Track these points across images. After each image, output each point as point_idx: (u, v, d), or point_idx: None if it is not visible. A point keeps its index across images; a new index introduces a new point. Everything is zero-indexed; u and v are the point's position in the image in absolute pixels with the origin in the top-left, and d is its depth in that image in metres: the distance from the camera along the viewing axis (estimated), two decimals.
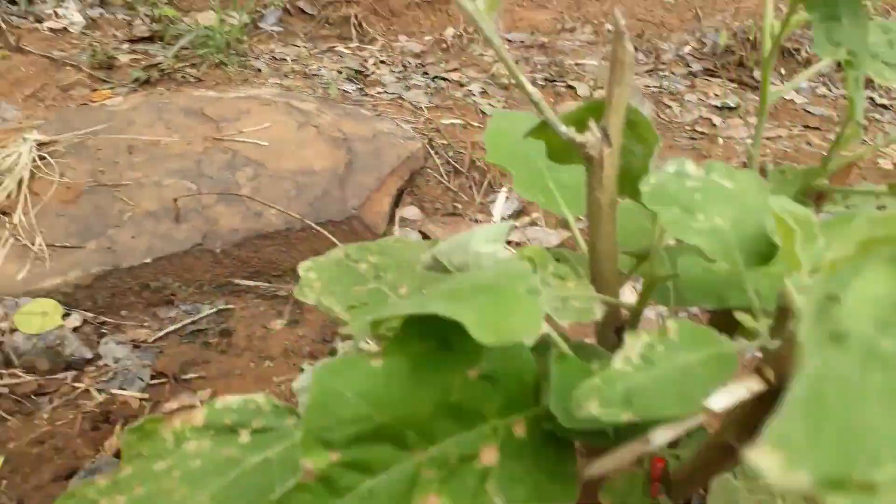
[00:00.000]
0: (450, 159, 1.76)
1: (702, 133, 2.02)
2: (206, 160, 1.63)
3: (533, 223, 1.58)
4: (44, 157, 1.62)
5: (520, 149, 0.90)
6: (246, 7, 2.46)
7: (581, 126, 0.59)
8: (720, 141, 1.96)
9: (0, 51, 2.10)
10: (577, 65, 2.43)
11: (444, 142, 1.83)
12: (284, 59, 2.34)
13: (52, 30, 2.25)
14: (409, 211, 1.62)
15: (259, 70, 2.21)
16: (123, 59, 2.13)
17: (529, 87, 0.60)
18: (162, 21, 2.35)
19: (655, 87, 2.29)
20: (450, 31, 2.67)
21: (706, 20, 2.76)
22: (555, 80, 2.30)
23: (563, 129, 0.58)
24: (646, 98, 1.97)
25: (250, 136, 1.71)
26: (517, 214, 1.62)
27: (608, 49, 2.58)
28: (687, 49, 2.56)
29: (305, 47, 2.47)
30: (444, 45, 2.59)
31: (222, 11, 2.42)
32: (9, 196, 1.50)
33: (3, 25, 2.19)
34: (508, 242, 1.54)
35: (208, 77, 2.09)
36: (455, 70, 2.40)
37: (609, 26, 2.72)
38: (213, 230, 1.42)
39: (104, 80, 2.01)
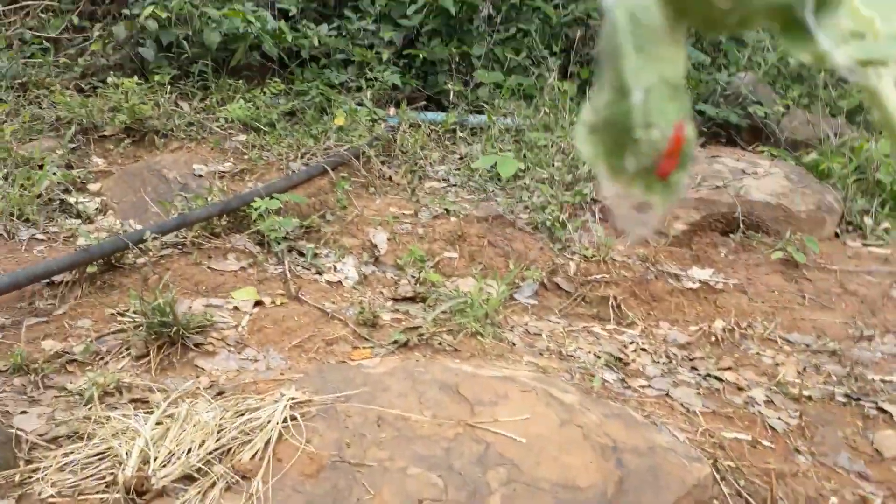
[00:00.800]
0: (741, 489, 1.42)
1: None
2: (456, 449, 1.46)
3: None
4: (294, 418, 1.56)
5: None
6: (506, 279, 2.45)
7: None
8: None
9: (280, 297, 2.23)
10: (884, 381, 2.02)
11: (732, 464, 1.50)
12: (539, 335, 2.22)
13: (329, 282, 2.38)
14: None
15: (513, 344, 2.10)
16: (386, 317, 2.15)
17: None
18: (426, 284, 2.39)
19: None
20: (719, 324, 2.42)
21: None
22: (860, 399, 1.91)
23: None
24: None
25: (506, 427, 1.53)
26: None
27: None
28: None
29: (560, 324, 2.36)
30: (713, 339, 2.33)
31: (483, 280, 2.43)
32: (253, 457, 1.43)
33: (289, 274, 2.36)
34: None
35: (464, 346, 2.02)
36: (729, 369, 2.12)
37: None
38: None
39: (366, 339, 2.02)
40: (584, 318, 2.49)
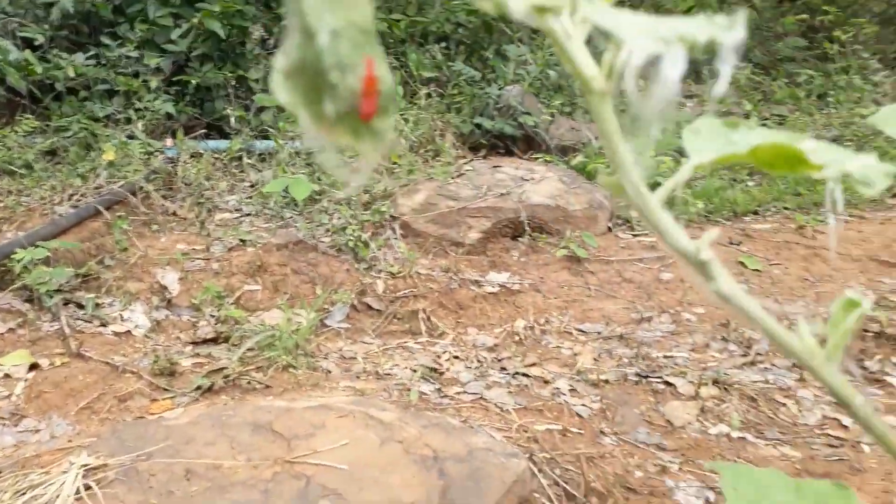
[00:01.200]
0: (558, 478, 1.50)
1: (839, 439, 1.76)
2: (275, 490, 1.38)
3: None
4: (89, 487, 1.39)
5: None
6: (314, 305, 2.39)
7: None
8: (866, 449, 1.69)
9: (60, 357, 1.99)
10: (666, 357, 2.25)
11: (547, 455, 1.58)
12: (354, 358, 2.19)
13: (116, 333, 2.16)
14: None
15: (329, 371, 2.05)
16: (186, 363, 2.00)
17: None
18: (227, 322, 2.26)
19: (761, 381, 2.08)
20: (520, 323, 2.55)
21: (788, 306, 2.63)
22: (648, 376, 2.11)
23: None
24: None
25: (326, 456, 1.48)
26: None
27: (693, 339, 2.43)
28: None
29: (375, 344, 2.35)
30: (517, 338, 2.45)
31: (290, 310, 2.35)
32: None
33: (67, 330, 2.11)
34: None
35: (276, 382, 1.93)
36: (534, 364, 2.23)
37: (687, 316, 2.60)
38: None
39: (165, 389, 1.85)
40: (397, 335, 2.50)
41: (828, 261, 2.89)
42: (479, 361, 2.24)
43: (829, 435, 1.78)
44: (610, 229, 3.41)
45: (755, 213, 3.61)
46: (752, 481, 0.74)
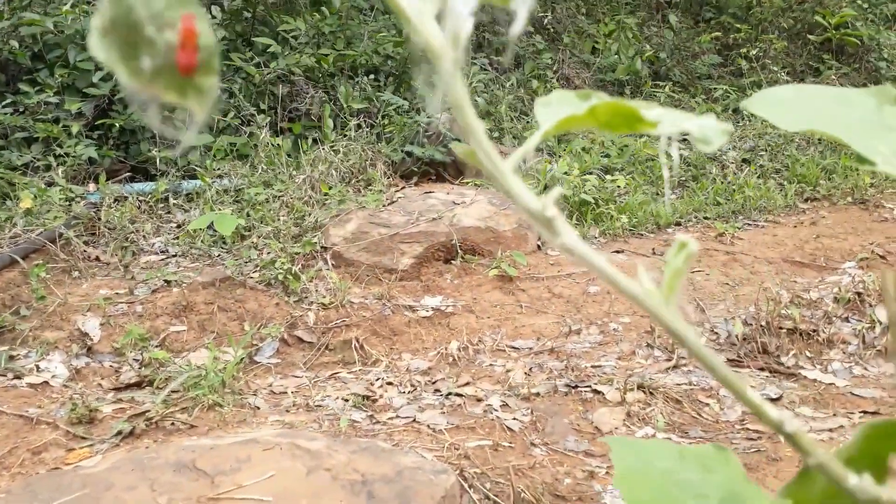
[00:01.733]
0: (488, 492, 1.50)
1: (757, 432, 1.81)
2: None
3: None
4: None
5: (672, 497, 0.67)
6: (242, 342, 2.35)
7: (876, 467, 0.38)
8: (781, 440, 1.75)
9: None
10: (594, 367, 2.29)
11: (478, 470, 1.58)
12: (284, 393, 2.16)
13: (31, 385, 2.08)
14: None
15: (257, 408, 2.02)
16: (107, 410, 1.94)
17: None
18: (152, 365, 2.20)
19: (685, 383, 2.13)
20: (454, 345, 2.56)
21: (710, 311, 2.72)
22: (577, 386, 2.14)
23: (852, 480, 0.36)
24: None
25: (251, 490, 1.45)
26: None
27: (620, 348, 2.48)
28: (702, 341, 2.46)
29: (306, 377, 2.32)
30: (451, 359, 2.46)
31: (217, 349, 2.30)
32: None
33: None
34: None
35: (201, 421, 1.88)
36: (468, 384, 2.24)
37: (614, 326, 2.65)
38: None
39: (83, 438, 1.79)
40: (329, 366, 2.47)
41: (745, 265, 3.00)
42: (412, 385, 2.24)
43: (749, 429, 1.84)
44: (539, 247, 3.46)
45: (678, 224, 3.72)
46: (638, 451, 0.76)
